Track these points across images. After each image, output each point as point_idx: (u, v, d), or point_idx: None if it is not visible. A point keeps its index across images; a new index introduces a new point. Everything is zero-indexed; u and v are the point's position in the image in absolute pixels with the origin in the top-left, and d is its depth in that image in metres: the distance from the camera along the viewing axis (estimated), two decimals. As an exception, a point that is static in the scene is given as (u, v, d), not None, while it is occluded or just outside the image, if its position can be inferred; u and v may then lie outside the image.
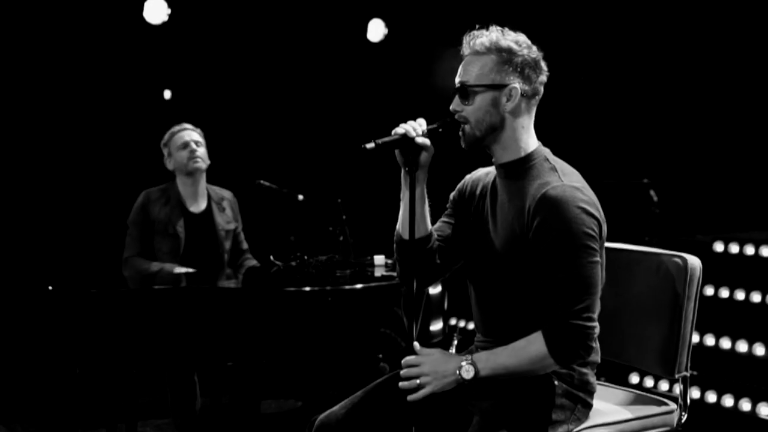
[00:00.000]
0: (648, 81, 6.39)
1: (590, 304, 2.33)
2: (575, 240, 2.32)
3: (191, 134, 4.52)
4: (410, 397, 2.41)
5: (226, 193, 4.72)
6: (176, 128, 4.54)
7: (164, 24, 6.08)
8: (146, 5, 6.03)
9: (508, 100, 2.46)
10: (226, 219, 4.62)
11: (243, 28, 6.63)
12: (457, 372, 2.39)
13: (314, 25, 6.79)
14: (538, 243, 2.36)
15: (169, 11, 6.04)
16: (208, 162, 4.54)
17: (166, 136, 4.54)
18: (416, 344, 2.47)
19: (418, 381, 2.41)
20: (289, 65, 6.86)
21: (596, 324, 2.36)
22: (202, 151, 4.50)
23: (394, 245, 2.67)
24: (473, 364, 2.39)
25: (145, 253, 4.40)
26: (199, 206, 4.55)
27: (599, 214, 2.40)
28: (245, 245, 4.73)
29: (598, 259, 2.36)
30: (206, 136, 4.61)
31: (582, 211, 2.33)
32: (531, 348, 2.36)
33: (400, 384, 2.43)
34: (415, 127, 2.48)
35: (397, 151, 2.50)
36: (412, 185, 2.50)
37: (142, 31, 6.13)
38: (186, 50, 6.49)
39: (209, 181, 4.64)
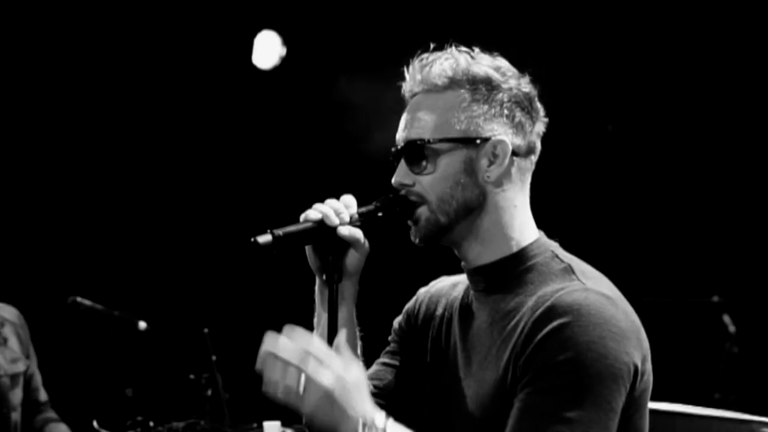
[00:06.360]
0: (715, 136, 6.51)
1: None
2: (597, 373, 2.25)
3: None
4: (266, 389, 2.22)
5: (8, 313, 4.73)
6: None
7: None
8: None
9: (491, 163, 2.47)
10: (11, 356, 4.62)
11: (53, 53, 6.67)
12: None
13: (173, 43, 6.87)
14: (528, 374, 2.31)
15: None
16: None
17: None
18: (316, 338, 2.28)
19: (293, 384, 2.19)
20: (132, 107, 6.90)
21: None
22: None
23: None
24: None
25: None
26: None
27: (643, 344, 2.36)
28: (44, 395, 4.73)
29: (620, 402, 2.28)
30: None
31: (615, 333, 2.28)
32: None
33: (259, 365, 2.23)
34: (339, 210, 2.48)
35: (308, 248, 2.52)
36: (332, 304, 2.49)
37: None
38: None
39: None
